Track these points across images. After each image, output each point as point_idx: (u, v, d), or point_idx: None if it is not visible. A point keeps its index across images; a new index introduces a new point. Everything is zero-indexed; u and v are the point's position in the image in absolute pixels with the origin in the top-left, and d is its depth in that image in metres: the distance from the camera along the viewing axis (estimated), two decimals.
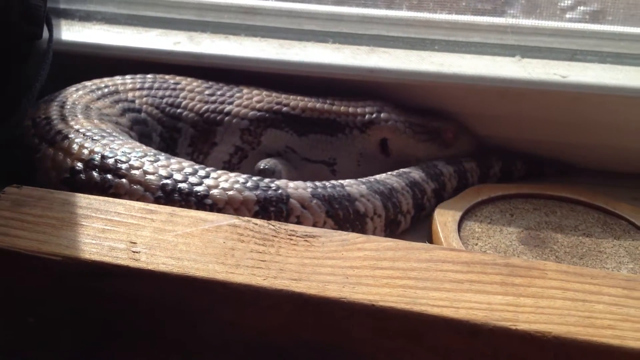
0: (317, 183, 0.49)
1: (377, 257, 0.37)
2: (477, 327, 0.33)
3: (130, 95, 0.56)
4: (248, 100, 0.58)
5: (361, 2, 0.68)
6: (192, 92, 0.58)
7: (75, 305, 0.38)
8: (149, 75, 0.59)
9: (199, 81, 0.59)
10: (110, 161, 0.46)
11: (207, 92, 0.58)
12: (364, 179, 0.52)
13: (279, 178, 0.53)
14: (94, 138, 0.49)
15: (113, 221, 0.39)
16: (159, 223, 0.39)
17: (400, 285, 0.35)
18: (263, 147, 0.58)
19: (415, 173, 0.55)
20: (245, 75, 0.60)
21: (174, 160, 0.48)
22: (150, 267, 0.36)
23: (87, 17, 0.67)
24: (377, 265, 0.37)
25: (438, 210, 0.55)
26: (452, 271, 0.37)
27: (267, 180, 0.48)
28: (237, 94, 0.58)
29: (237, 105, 0.57)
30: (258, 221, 0.40)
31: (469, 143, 0.60)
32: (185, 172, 0.46)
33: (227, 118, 0.57)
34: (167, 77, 0.59)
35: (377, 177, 0.53)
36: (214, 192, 0.45)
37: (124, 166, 0.46)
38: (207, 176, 0.46)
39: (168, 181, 0.45)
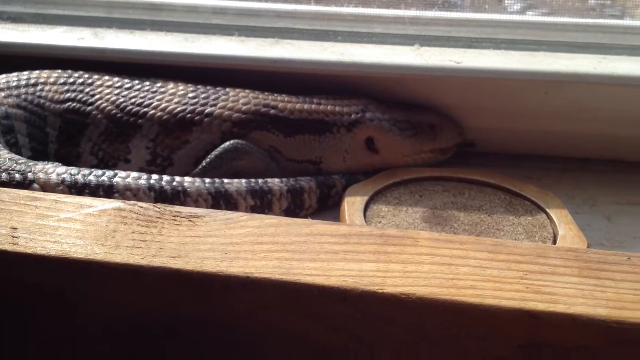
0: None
1: (258, 234, 0.39)
2: (346, 292, 0.35)
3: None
4: (233, 102, 0.57)
5: None
6: (172, 96, 0.58)
7: None
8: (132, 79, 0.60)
9: (185, 84, 0.59)
10: None
11: (190, 94, 0.58)
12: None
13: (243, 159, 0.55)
14: None
15: None
16: (42, 209, 0.39)
17: (277, 258, 0.37)
18: None
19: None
20: (149, 69, 0.61)
21: None
22: (28, 250, 0.36)
23: None
24: (257, 240, 0.38)
25: (349, 190, 0.56)
26: (330, 243, 0.38)
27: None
28: (223, 96, 0.58)
29: (221, 108, 0.57)
30: (144, 204, 0.40)
31: (453, 133, 0.61)
32: None
33: (206, 119, 0.57)
34: (154, 80, 0.60)
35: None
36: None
37: None
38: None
39: None
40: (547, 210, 0.54)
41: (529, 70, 0.58)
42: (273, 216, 0.40)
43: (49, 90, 0.58)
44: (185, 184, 0.51)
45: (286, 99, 0.59)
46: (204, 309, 0.37)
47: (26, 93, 0.58)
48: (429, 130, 0.59)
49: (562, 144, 0.63)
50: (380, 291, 0.34)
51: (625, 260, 0.37)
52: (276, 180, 0.55)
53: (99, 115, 0.57)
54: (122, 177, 0.50)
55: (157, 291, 0.36)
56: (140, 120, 0.57)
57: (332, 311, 0.35)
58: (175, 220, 0.39)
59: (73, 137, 0.58)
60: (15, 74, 0.60)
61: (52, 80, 0.59)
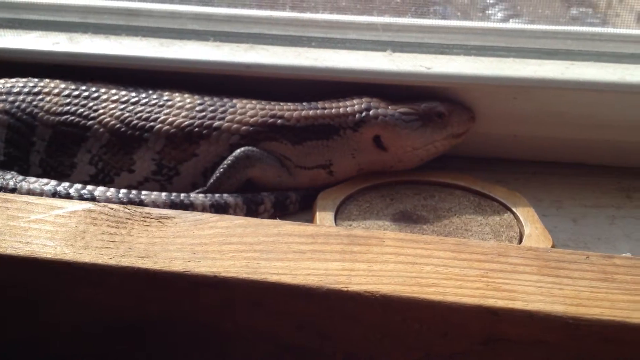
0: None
1: (227, 234, 0.39)
2: (312, 290, 0.35)
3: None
4: (241, 115, 0.58)
5: (245, 3, 0.70)
6: (179, 109, 0.58)
7: None
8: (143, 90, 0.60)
9: (192, 96, 0.59)
10: None
11: (197, 107, 0.58)
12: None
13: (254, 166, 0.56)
14: None
15: None
16: (13, 211, 0.40)
17: (244, 258, 0.37)
18: None
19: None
20: (124, 74, 0.61)
21: None
22: None
23: None
24: (225, 241, 0.39)
25: (321, 194, 0.57)
26: (297, 243, 0.39)
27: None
28: (230, 109, 0.58)
29: (229, 121, 0.57)
30: (114, 206, 0.41)
31: (464, 117, 0.60)
32: None
33: (214, 133, 0.57)
34: (160, 92, 0.60)
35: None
36: None
37: None
38: None
39: None
40: (515, 210, 0.56)
41: (498, 75, 0.59)
42: (242, 217, 0.41)
43: (49, 101, 0.58)
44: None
45: (292, 107, 0.59)
46: (172, 308, 0.37)
47: (22, 101, 0.58)
48: (438, 119, 0.59)
49: (531, 148, 0.64)
50: (345, 289, 0.35)
51: (584, 259, 0.38)
52: (200, 195, 0.55)
53: (101, 130, 0.57)
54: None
55: (126, 291, 0.37)
56: (146, 134, 0.57)
57: (298, 309, 0.36)
58: (145, 221, 0.40)
59: (68, 148, 0.58)
60: (23, 80, 0.60)
61: (56, 91, 0.59)
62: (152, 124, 0.57)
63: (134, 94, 0.59)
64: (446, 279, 0.36)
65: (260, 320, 0.37)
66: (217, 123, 0.57)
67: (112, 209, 0.41)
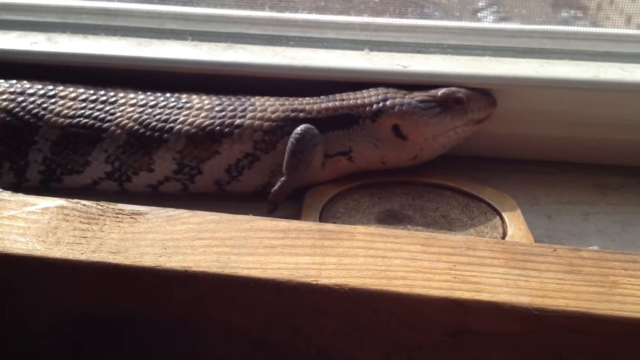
0: None
1: (199, 229, 0.39)
2: (282, 284, 0.36)
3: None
4: (262, 112, 0.58)
5: (225, 3, 0.70)
6: (199, 110, 0.58)
7: None
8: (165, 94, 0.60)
9: (210, 97, 0.60)
10: None
11: (217, 107, 0.58)
12: None
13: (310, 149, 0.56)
14: None
15: None
16: None
17: (216, 253, 0.38)
18: (278, 151, 0.58)
19: None
20: (102, 73, 0.61)
21: None
22: None
23: None
24: (197, 236, 0.39)
25: (309, 192, 0.58)
26: (268, 238, 0.39)
27: None
28: (250, 107, 0.58)
29: (251, 118, 0.57)
30: (87, 202, 0.41)
31: (484, 102, 0.60)
32: None
33: (237, 130, 0.57)
34: (181, 95, 0.60)
35: None
36: None
37: None
38: None
39: None
40: (501, 212, 0.56)
41: (472, 73, 0.60)
42: (215, 213, 0.41)
43: (62, 105, 0.58)
44: None
45: (311, 101, 0.59)
46: (144, 303, 0.37)
47: (31, 102, 0.58)
48: (457, 105, 0.58)
49: (508, 146, 0.65)
50: (315, 283, 0.36)
51: (551, 252, 0.39)
52: None
53: (118, 131, 0.57)
54: None
55: (97, 286, 0.37)
56: (165, 135, 0.57)
57: (269, 303, 0.36)
58: (118, 217, 0.40)
59: (80, 148, 0.58)
60: (42, 83, 0.60)
61: (72, 95, 0.59)
62: (171, 125, 0.57)
63: (151, 98, 0.59)
64: (415, 271, 0.37)
65: (232, 315, 0.37)
66: (238, 121, 0.57)
67: (84, 205, 0.41)
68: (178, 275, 0.36)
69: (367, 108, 0.59)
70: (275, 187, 0.56)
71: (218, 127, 0.57)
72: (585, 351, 0.35)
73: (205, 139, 0.57)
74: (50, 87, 0.60)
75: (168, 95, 0.60)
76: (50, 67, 0.61)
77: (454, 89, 0.59)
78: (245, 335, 0.38)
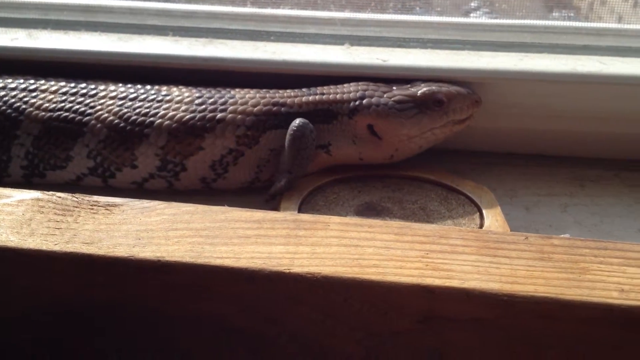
0: None
1: (174, 220, 0.40)
2: (254, 273, 0.36)
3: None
4: (243, 105, 0.58)
5: None
6: (178, 104, 0.58)
7: None
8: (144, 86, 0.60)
9: (189, 89, 0.59)
10: None
11: (196, 101, 0.58)
12: None
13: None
14: None
15: None
16: None
17: (189, 243, 0.38)
18: (261, 145, 0.58)
19: None
20: (82, 68, 0.61)
21: None
22: None
23: None
24: (172, 227, 0.39)
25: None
26: (243, 228, 0.39)
27: None
28: (230, 100, 0.58)
29: (232, 112, 0.57)
30: (62, 194, 0.41)
31: (466, 102, 0.59)
32: None
33: (219, 125, 0.57)
34: (161, 87, 0.60)
35: None
36: None
37: None
38: None
39: None
40: (479, 204, 0.56)
41: (451, 67, 0.60)
42: (190, 204, 0.42)
43: (42, 98, 0.58)
44: None
45: (292, 94, 0.59)
46: (119, 293, 0.38)
47: (13, 97, 0.58)
48: (437, 106, 0.58)
49: (487, 139, 0.65)
50: (287, 271, 0.36)
51: (523, 239, 0.39)
52: None
53: (99, 125, 0.57)
54: None
55: (71, 277, 0.37)
56: (146, 130, 0.57)
57: (242, 292, 0.37)
58: (93, 209, 0.40)
59: (62, 142, 0.57)
60: (23, 77, 0.60)
61: (53, 89, 0.59)
62: (151, 119, 0.57)
63: (132, 90, 0.59)
64: (387, 260, 0.37)
65: (206, 304, 0.37)
66: (220, 115, 0.57)
67: (59, 197, 0.41)
68: (151, 265, 0.36)
69: (345, 105, 0.58)
70: (281, 183, 0.56)
71: (199, 122, 0.57)
72: (555, 336, 0.36)
73: (187, 134, 0.57)
74: (32, 80, 0.60)
75: (148, 87, 0.59)
76: (30, 62, 0.61)
77: (434, 88, 0.58)
78: (218, 323, 0.38)
